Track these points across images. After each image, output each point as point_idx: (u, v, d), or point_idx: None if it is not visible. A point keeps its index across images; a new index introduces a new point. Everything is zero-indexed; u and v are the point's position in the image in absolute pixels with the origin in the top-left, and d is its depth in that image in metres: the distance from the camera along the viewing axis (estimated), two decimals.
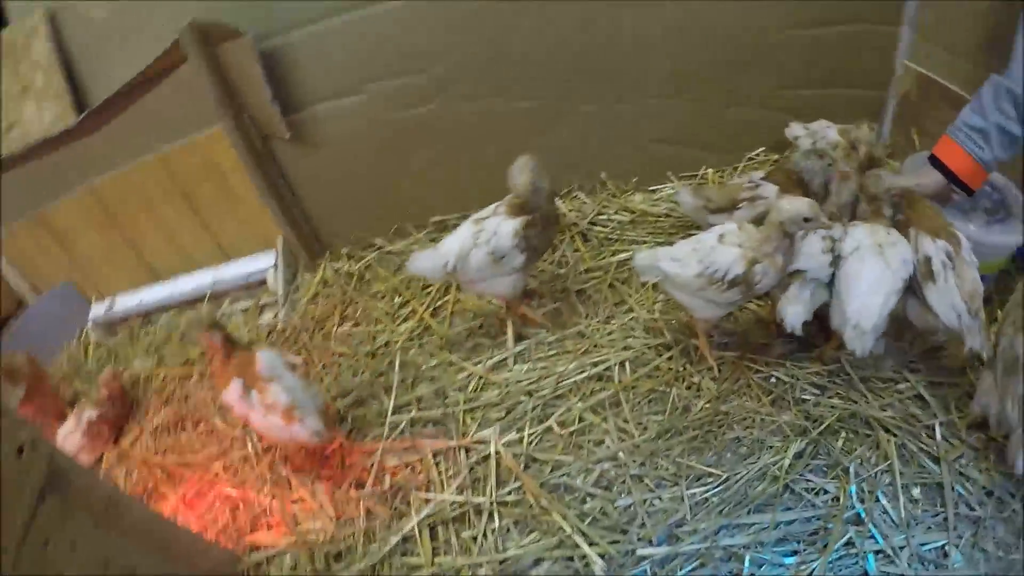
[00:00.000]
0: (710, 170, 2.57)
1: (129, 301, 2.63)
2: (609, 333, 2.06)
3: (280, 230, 2.42)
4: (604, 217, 2.45)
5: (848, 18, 2.31)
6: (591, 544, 1.62)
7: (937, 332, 1.91)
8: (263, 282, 2.47)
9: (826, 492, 1.71)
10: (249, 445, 2.04)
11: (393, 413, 2.00)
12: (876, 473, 1.74)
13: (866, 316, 1.73)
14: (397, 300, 2.32)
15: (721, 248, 1.76)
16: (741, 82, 2.39)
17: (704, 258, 1.76)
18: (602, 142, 2.45)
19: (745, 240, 1.75)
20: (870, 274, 1.77)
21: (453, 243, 1.92)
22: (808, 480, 1.74)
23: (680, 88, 2.38)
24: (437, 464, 1.87)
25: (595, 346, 2.04)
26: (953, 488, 1.71)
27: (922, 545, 1.60)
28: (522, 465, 1.82)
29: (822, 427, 1.82)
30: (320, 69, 2.21)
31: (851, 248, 1.82)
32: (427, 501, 1.78)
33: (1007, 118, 1.81)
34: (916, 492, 1.72)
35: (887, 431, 1.83)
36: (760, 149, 2.57)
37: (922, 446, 1.81)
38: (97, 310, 2.66)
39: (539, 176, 1.88)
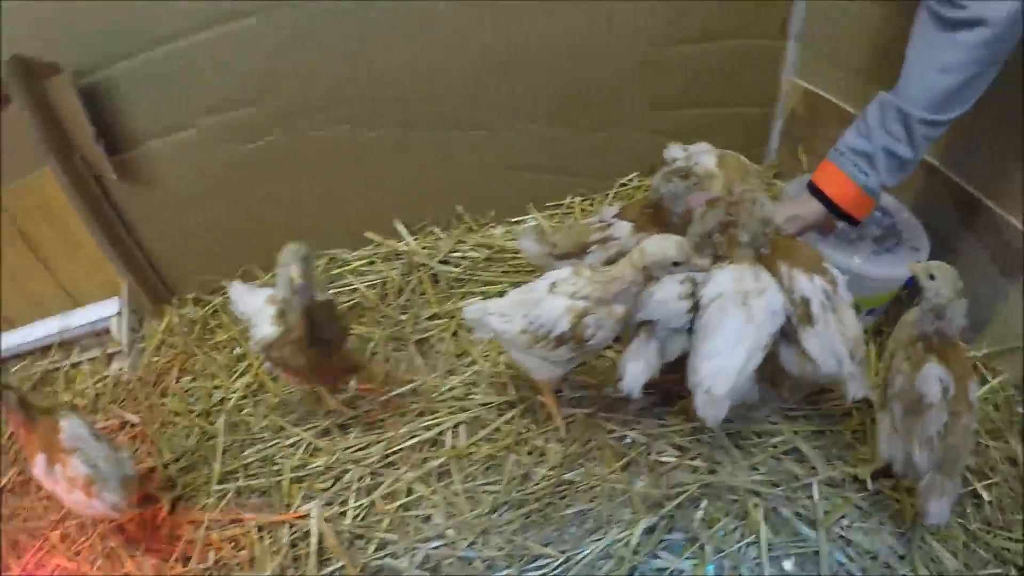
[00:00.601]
0: (577, 199, 2.38)
1: None
2: (449, 389, 1.88)
3: (122, 275, 2.25)
4: (458, 255, 2.26)
5: (730, 33, 2.13)
6: None
7: (815, 379, 1.70)
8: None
9: (682, 572, 1.52)
10: None
11: (221, 481, 1.83)
12: (741, 547, 1.56)
13: (720, 380, 1.51)
14: (236, 352, 2.15)
15: (549, 299, 1.56)
16: (612, 103, 2.20)
17: (529, 312, 1.57)
18: (459, 171, 2.26)
19: (580, 288, 1.54)
20: (728, 329, 1.55)
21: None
22: (660, 559, 1.55)
23: (543, 111, 2.20)
24: (261, 539, 1.69)
25: (430, 407, 1.85)
26: (831, 555, 1.53)
27: None
28: (345, 543, 1.64)
29: (681, 496, 1.63)
30: (150, 103, 2.03)
31: (712, 296, 1.60)
32: None
33: (895, 140, 1.61)
34: (788, 565, 1.53)
35: (757, 495, 1.64)
36: (634, 175, 2.39)
37: (797, 510, 1.62)
38: None
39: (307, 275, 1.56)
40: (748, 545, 1.56)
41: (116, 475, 1.62)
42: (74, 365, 2.32)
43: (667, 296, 1.61)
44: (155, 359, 2.20)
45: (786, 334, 1.65)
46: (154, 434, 1.99)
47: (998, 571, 1.53)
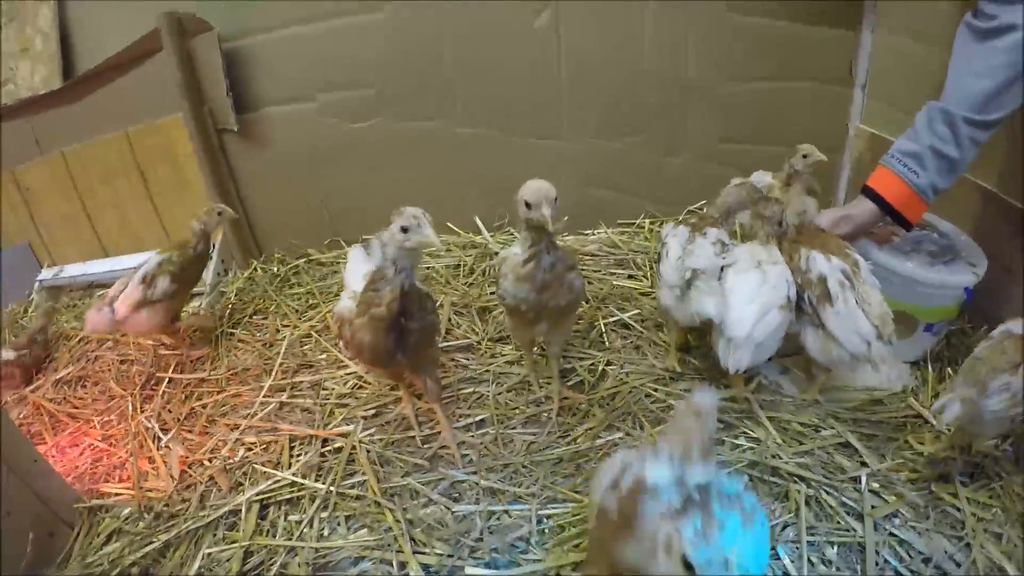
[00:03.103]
0: (648, 220, 2.48)
1: (75, 270, 2.70)
2: (494, 356, 1.96)
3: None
4: None
5: (797, 75, 2.28)
6: (416, 552, 1.43)
7: (843, 366, 1.71)
8: None
9: None
10: (129, 405, 2.00)
11: (267, 394, 1.92)
12: (778, 525, 1.48)
13: (739, 326, 1.63)
14: (310, 302, 2.29)
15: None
16: (683, 131, 2.33)
17: None
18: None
19: None
20: (745, 285, 1.69)
21: None
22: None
23: (618, 130, 2.33)
24: (292, 448, 1.75)
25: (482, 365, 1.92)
26: (878, 551, 1.41)
27: None
28: (375, 463, 1.67)
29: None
30: (277, 74, 2.30)
31: (729, 262, 1.77)
32: (266, 479, 1.65)
33: (941, 140, 1.70)
34: (831, 552, 1.42)
35: (802, 480, 1.57)
36: (702, 202, 2.47)
37: (844, 500, 1.53)
38: (46, 274, 2.74)
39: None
40: (786, 526, 1.48)
41: None
42: None
43: (706, 252, 1.78)
44: (232, 300, 2.35)
45: (810, 320, 1.71)
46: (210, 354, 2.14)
47: None
